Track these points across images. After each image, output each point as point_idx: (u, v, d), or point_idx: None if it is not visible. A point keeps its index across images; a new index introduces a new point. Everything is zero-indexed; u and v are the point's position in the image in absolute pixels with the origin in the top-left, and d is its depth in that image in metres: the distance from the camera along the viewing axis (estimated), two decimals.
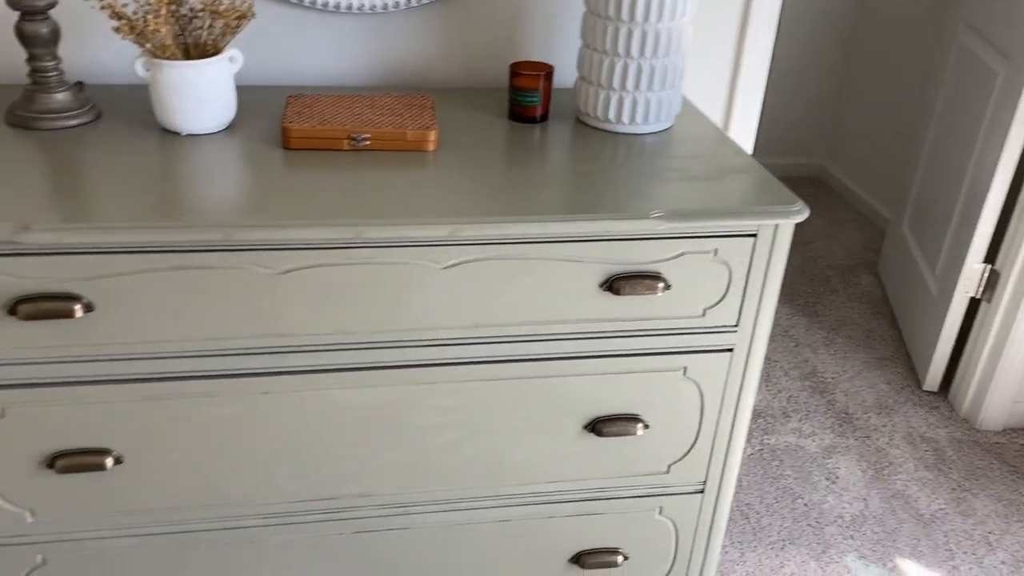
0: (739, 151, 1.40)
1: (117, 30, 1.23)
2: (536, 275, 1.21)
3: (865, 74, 3.56)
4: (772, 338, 2.72)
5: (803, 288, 3.03)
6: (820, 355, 2.67)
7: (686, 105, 1.58)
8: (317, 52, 1.57)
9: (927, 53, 3.10)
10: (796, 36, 3.55)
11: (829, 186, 3.84)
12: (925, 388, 2.52)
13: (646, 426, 1.36)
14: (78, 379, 1.16)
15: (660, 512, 1.46)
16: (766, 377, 2.54)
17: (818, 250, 3.29)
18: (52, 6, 1.27)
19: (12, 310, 1.09)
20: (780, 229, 1.23)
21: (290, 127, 1.29)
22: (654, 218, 1.18)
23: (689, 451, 1.41)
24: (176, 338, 1.16)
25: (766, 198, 1.25)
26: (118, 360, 1.16)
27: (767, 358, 2.63)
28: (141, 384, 1.18)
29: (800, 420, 2.38)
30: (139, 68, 1.27)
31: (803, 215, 1.21)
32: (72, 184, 1.18)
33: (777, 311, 2.85)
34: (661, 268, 1.23)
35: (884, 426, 2.37)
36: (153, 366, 1.17)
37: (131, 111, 1.38)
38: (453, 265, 1.18)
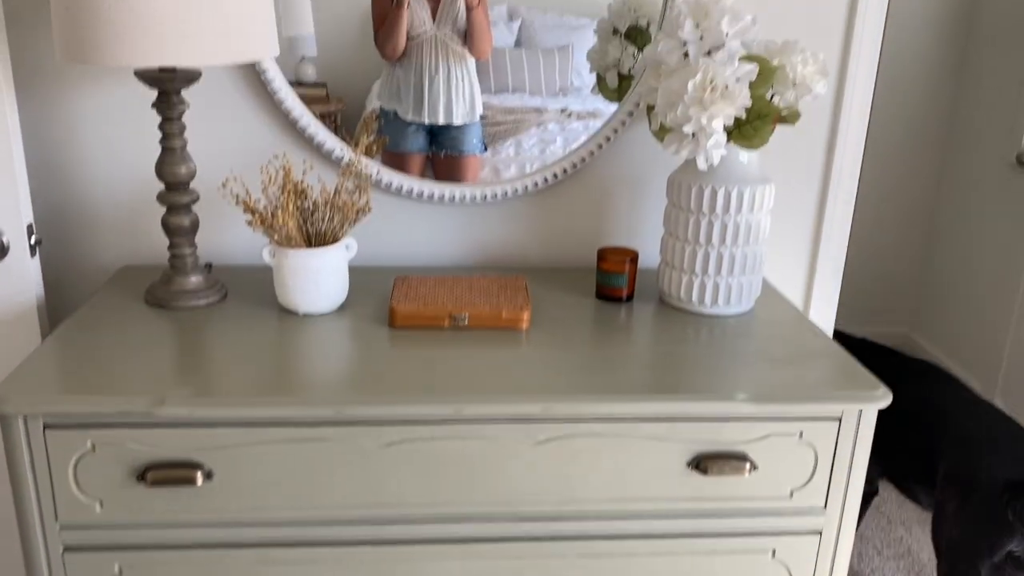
0: (820, 334, 1.45)
1: (250, 223, 1.38)
2: (624, 453, 1.25)
3: (949, 245, 3.59)
4: (862, 513, 2.64)
5: None
6: (914, 534, 2.57)
7: (766, 286, 1.65)
8: (423, 237, 1.72)
9: (1009, 224, 3.13)
10: (877, 214, 3.62)
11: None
12: None
13: None
14: (192, 543, 1.24)
15: None
16: (858, 555, 2.45)
17: None
18: (195, 201, 1.44)
19: (140, 476, 1.19)
20: (864, 413, 1.26)
21: (396, 308, 1.41)
22: (739, 400, 1.22)
23: None
24: (285, 506, 1.23)
25: (849, 382, 1.28)
26: (230, 527, 1.23)
27: (858, 535, 2.54)
28: (250, 550, 1.25)
29: None
30: (266, 256, 1.42)
31: (886, 401, 1.24)
32: (201, 360, 1.30)
33: None
34: (748, 449, 1.26)
35: None
36: (262, 532, 1.24)
37: (254, 291, 1.52)
38: (545, 441, 1.24)
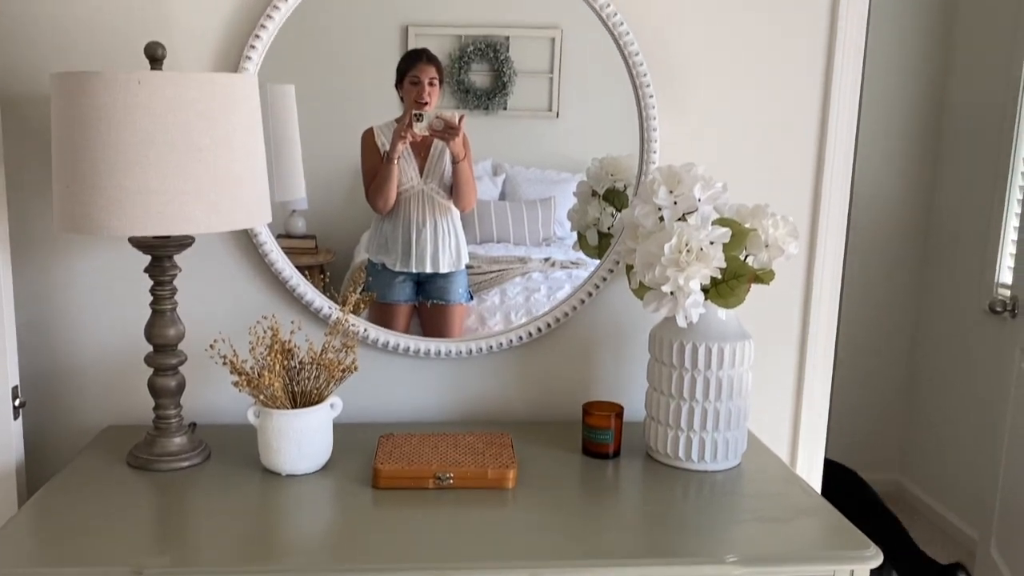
0: (808, 490, 1.44)
1: (236, 384, 1.39)
2: None
3: (931, 393, 3.61)
4: None
5: None
6: None
7: (752, 440, 1.65)
8: (408, 392, 1.73)
9: (988, 371, 3.16)
10: (858, 365, 3.66)
11: (907, 503, 3.73)
12: None
13: None
14: None
15: None
16: None
17: None
18: (182, 363, 1.46)
19: None
20: (855, 574, 1.24)
21: (380, 468, 1.40)
22: (729, 563, 1.20)
23: None
24: None
25: (839, 542, 1.27)
26: None
27: None
28: None
29: None
30: (251, 416, 1.42)
31: (877, 560, 1.23)
32: (181, 526, 1.27)
33: None
34: None
35: None
36: None
37: (237, 451, 1.51)
38: None
